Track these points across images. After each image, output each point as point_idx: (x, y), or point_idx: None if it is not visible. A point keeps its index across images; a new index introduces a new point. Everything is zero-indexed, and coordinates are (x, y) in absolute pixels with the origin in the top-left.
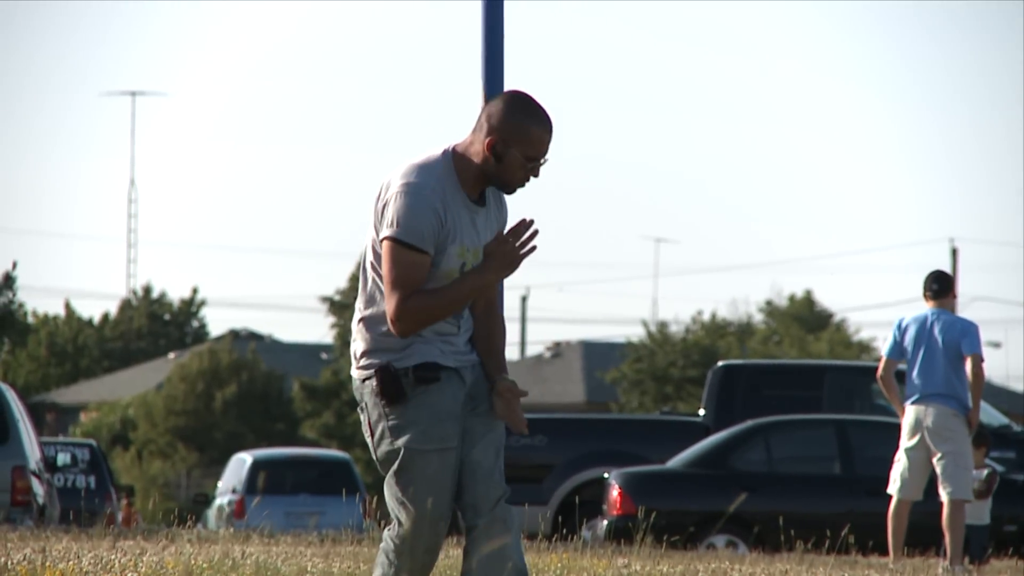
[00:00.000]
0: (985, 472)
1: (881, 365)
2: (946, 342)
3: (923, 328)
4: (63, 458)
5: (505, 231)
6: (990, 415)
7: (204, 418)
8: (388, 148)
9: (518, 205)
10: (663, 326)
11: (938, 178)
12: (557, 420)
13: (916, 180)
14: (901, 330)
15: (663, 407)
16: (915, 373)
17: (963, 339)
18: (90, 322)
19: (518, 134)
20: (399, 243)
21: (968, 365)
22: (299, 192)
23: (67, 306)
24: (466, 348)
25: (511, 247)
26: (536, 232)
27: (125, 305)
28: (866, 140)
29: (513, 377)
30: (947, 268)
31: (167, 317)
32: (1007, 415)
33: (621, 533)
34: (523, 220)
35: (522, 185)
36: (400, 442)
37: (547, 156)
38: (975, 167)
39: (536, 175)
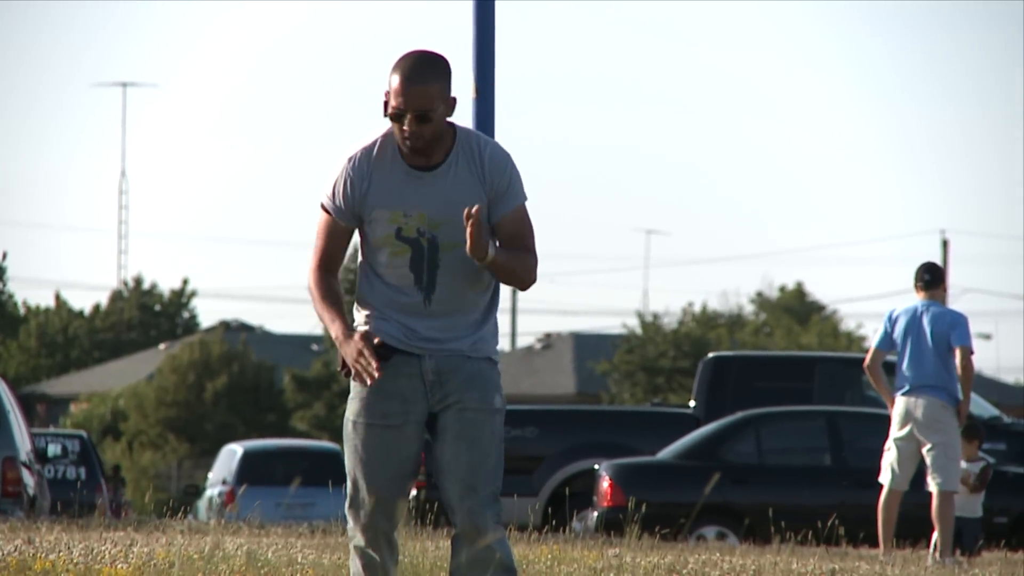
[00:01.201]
0: (980, 466)
1: (869, 355)
2: (935, 334)
3: (913, 319)
4: (53, 449)
5: (501, 196)
6: (981, 407)
7: (195, 409)
8: None
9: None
10: (655, 317)
11: (929, 170)
12: (547, 411)
13: (907, 172)
14: (892, 321)
15: (654, 398)
16: (905, 364)
17: (952, 331)
18: (81, 313)
19: (388, 85)
20: (321, 205)
21: (957, 357)
22: (290, 183)
23: (57, 297)
24: (438, 333)
25: (352, 351)
26: (368, 370)
27: (116, 296)
28: (857, 133)
29: (505, 368)
30: (938, 260)
31: (158, 308)
32: (998, 407)
33: (611, 524)
34: (361, 356)
35: (408, 138)
36: (346, 413)
37: (425, 108)
38: (966, 160)
39: (411, 127)
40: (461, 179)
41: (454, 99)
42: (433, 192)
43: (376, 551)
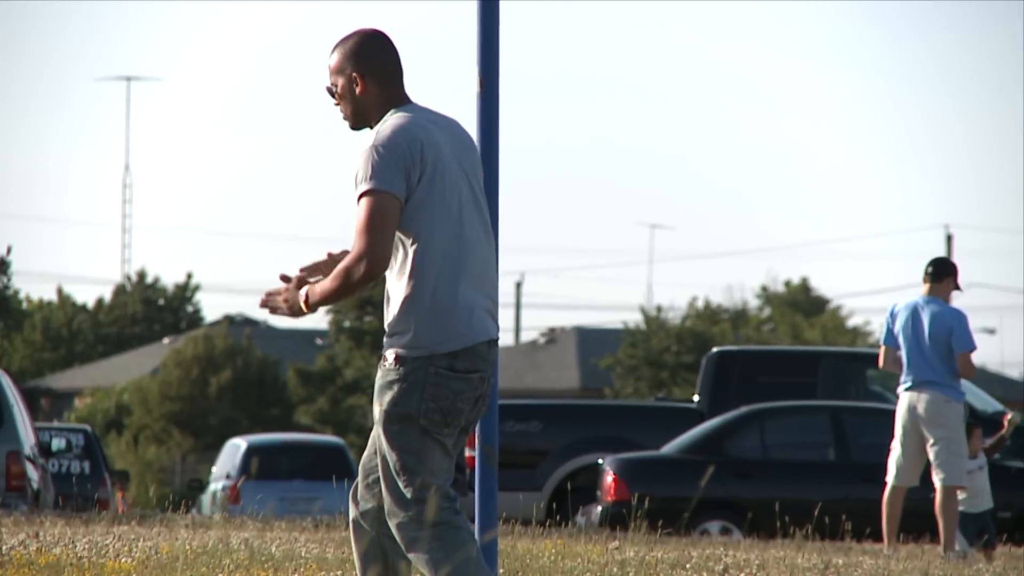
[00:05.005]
0: (1008, 423)
1: (881, 355)
2: (933, 333)
3: (912, 316)
4: (58, 443)
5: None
6: (984, 401)
7: (199, 404)
8: None
9: (518, 193)
10: (658, 311)
11: (933, 165)
12: (551, 406)
13: (911, 167)
14: (892, 317)
15: (658, 393)
16: (906, 360)
17: (953, 335)
18: (84, 307)
19: None
20: None
21: (958, 364)
22: (294, 177)
23: (59, 292)
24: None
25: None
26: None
27: (119, 290)
28: (861, 127)
29: (508, 363)
30: (942, 254)
31: (161, 302)
32: (1002, 401)
33: (615, 519)
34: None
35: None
36: None
37: (330, 83)
38: (970, 154)
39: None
40: None
41: (354, 75)
42: None
43: (355, 529)
